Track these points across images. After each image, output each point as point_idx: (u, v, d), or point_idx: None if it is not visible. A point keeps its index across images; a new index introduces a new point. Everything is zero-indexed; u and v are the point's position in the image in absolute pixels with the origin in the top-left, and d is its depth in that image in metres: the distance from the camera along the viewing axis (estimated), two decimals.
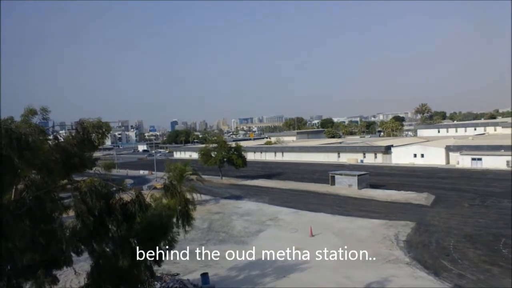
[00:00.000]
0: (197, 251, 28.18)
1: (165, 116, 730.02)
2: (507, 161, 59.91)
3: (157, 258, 12.37)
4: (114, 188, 11.88)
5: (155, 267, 13.10)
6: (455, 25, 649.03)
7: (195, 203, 17.39)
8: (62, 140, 11.72)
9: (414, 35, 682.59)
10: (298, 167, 78.58)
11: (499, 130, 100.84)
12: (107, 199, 11.15)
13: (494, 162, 61.04)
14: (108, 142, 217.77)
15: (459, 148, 68.45)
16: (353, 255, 25.64)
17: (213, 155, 64.91)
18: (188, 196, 16.00)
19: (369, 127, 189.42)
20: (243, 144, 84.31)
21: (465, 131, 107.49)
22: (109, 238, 11.45)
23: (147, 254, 11.75)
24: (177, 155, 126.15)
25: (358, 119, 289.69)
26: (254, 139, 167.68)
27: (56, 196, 11.27)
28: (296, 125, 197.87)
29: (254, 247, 28.48)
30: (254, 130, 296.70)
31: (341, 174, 52.41)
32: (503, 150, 62.37)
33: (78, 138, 11.53)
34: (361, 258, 24.99)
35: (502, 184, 47.35)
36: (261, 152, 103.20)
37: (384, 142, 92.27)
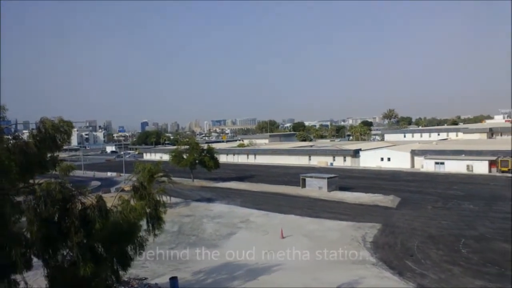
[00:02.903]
0: (167, 254, 27.76)
1: (135, 117, 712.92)
2: (468, 165, 63.08)
3: (124, 263, 12.05)
4: (74, 192, 11.38)
5: (122, 272, 12.76)
6: (421, 33, 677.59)
7: (165, 205, 17.11)
8: (24, 140, 11.17)
9: (383, 43, 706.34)
10: (270, 170, 79.05)
11: (461, 135, 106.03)
12: (65, 203, 10.65)
13: (455, 166, 64.06)
14: (74, 143, 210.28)
15: (423, 153, 71.30)
16: (322, 256, 26.21)
17: (184, 156, 64.08)
18: (158, 198, 15.66)
19: (339, 131, 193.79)
20: (216, 146, 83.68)
21: (429, 136, 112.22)
22: (67, 245, 10.92)
23: (114, 259, 11.41)
24: (147, 156, 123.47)
25: (328, 123, 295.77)
26: (227, 141, 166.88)
27: (15, 199, 10.69)
28: (269, 128, 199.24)
29: (225, 250, 28.47)
30: (227, 132, 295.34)
31: (311, 177, 53.21)
32: (464, 155, 65.61)
33: (40, 137, 11.02)
34: (330, 260, 25.56)
35: (463, 187, 49.75)
36: (233, 154, 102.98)
37: (353, 146, 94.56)
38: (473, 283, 20.93)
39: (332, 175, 53.20)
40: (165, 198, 21.77)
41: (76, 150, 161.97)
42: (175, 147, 77.15)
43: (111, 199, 12.91)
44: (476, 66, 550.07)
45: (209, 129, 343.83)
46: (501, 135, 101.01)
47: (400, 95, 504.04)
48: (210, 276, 23.49)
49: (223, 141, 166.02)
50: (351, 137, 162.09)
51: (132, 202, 12.68)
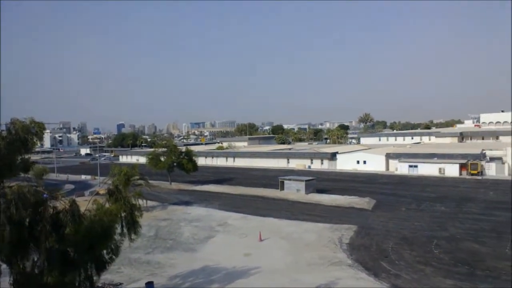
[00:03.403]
0: (143, 259, 27.26)
1: (111, 118, 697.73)
2: (439, 168, 65.25)
3: (98, 268, 11.75)
4: (46, 196, 11.01)
5: (96, 277, 12.43)
6: (396, 39, 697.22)
7: (142, 209, 16.81)
8: None
9: (360, 47, 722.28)
10: (249, 172, 79.09)
11: (433, 139, 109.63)
12: (37, 207, 10.29)
13: (428, 169, 66.13)
14: (47, 145, 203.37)
15: (397, 156, 73.23)
16: (300, 258, 26.43)
17: (162, 159, 63.19)
18: (134, 202, 15.35)
19: (316, 134, 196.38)
20: (194, 148, 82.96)
21: (404, 140, 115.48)
22: (38, 250, 10.52)
23: (88, 264, 11.10)
24: (123, 159, 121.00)
25: (306, 126, 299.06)
26: (206, 143, 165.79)
27: None
28: (248, 130, 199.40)
29: (202, 254, 28.25)
30: (205, 134, 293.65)
31: (289, 179, 53.62)
32: (436, 158, 67.83)
33: (9, 139, 10.61)
34: (308, 261, 25.81)
35: (435, 190, 51.39)
36: (212, 157, 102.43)
37: (330, 149, 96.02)
38: (445, 282, 21.62)
39: (310, 178, 53.81)
40: (141, 202, 21.39)
41: (49, 152, 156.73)
42: (152, 149, 75.93)
43: (85, 203, 12.59)
44: (448, 72, 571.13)
45: (188, 132, 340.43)
46: (470, 139, 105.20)
47: (375, 100, 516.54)
48: (187, 281, 23.24)
49: (201, 144, 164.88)
50: (328, 140, 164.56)
51: (107, 206, 12.40)
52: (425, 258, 25.52)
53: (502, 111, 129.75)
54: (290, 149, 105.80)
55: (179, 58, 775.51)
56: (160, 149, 65.53)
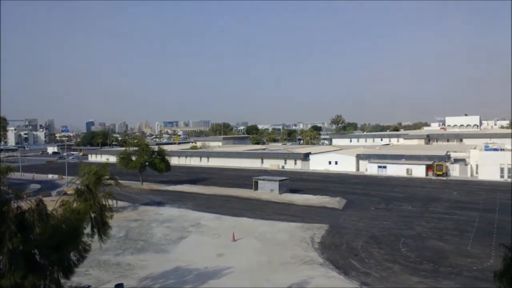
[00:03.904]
0: (112, 260, 26.60)
1: (80, 116, 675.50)
2: (407, 169, 67.69)
3: (66, 270, 11.37)
4: (11, 195, 10.54)
5: (64, 280, 12.02)
6: (366, 43, 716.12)
7: (112, 210, 16.41)
8: None
9: (332, 50, 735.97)
10: (223, 172, 78.84)
11: (401, 141, 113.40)
12: (0, 207, 9.85)
13: (396, 170, 68.47)
14: (11, 143, 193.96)
15: (367, 157, 75.34)
16: (273, 258, 26.66)
17: (133, 158, 61.83)
18: (104, 202, 14.92)
19: (290, 135, 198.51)
20: (167, 148, 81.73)
21: (373, 141, 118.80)
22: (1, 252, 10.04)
23: (54, 266, 10.71)
24: (93, 158, 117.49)
25: (280, 127, 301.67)
26: (179, 143, 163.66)
27: None
28: (223, 130, 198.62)
29: (174, 255, 27.92)
30: (179, 134, 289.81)
31: (263, 180, 53.96)
32: (404, 159, 70.31)
33: None
34: (280, 261, 26.07)
35: (403, 190, 53.25)
36: (186, 157, 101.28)
37: (303, 149, 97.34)
38: (411, 279, 22.47)
39: (284, 178, 54.37)
40: (111, 202, 20.86)
41: (13, 150, 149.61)
42: (123, 148, 74.14)
43: (52, 203, 12.15)
44: (416, 76, 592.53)
45: (160, 131, 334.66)
46: (436, 141, 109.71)
47: (347, 102, 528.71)
48: (158, 282, 22.90)
49: (175, 143, 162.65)
50: (301, 141, 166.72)
51: (75, 206, 12.02)
52: (393, 256, 26.39)
53: (466, 115, 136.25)
54: (264, 149, 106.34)
55: (152, 56, 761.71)
56: (132, 148, 64.14)
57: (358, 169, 75.51)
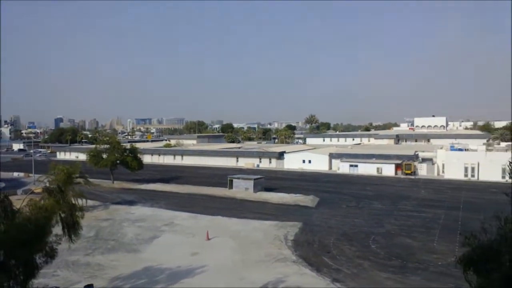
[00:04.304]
0: (82, 261, 25.84)
1: (48, 112, 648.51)
2: (377, 168, 69.65)
3: (31, 270, 10.94)
4: None
5: (31, 281, 11.57)
6: (337, 46, 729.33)
7: (83, 209, 15.96)
8: None
9: (306, 50, 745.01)
10: (198, 171, 78.16)
11: (372, 141, 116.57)
12: None
13: (367, 169, 70.31)
14: None
15: (340, 156, 76.96)
16: (247, 256, 26.76)
17: (104, 156, 60.16)
18: (74, 201, 14.45)
19: (265, 134, 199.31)
20: (140, 146, 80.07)
21: (345, 141, 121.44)
22: None
23: (19, 267, 10.27)
24: (61, 155, 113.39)
25: (256, 125, 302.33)
26: (152, 141, 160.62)
27: None
28: (197, 128, 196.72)
29: (146, 255, 27.47)
30: (152, 131, 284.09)
31: (238, 178, 53.98)
32: (374, 159, 72.30)
33: None
34: (254, 259, 26.21)
35: (373, 188, 54.76)
36: (159, 155, 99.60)
37: (278, 148, 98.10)
38: (380, 275, 23.19)
39: (258, 177, 54.61)
40: (80, 201, 20.31)
41: None
42: (93, 146, 71.99)
43: (18, 202, 11.66)
44: (386, 78, 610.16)
45: (133, 128, 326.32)
46: (405, 141, 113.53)
47: (321, 102, 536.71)
48: (129, 282, 22.47)
49: (148, 141, 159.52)
50: (276, 140, 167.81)
51: (42, 203, 11.57)
52: (364, 253, 27.13)
53: (433, 116, 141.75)
54: (239, 148, 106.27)
55: (124, 52, 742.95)
56: (102, 146, 62.41)
57: (330, 168, 76.95)
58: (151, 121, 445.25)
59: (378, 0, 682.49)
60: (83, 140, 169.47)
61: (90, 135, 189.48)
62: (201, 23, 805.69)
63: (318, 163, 77.74)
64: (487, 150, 65.50)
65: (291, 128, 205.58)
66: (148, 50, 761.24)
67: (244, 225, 35.08)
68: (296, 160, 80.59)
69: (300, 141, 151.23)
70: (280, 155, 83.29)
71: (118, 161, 59.90)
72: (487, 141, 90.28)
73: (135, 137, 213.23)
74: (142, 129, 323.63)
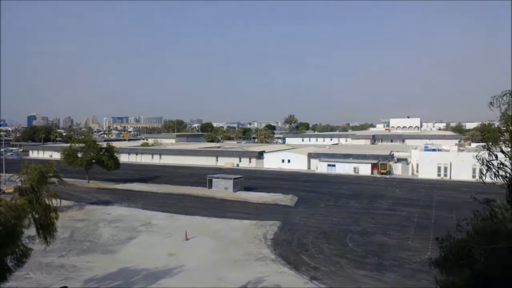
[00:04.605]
0: (55, 263, 25.08)
1: (21, 110, 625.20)
2: (354, 168, 70.99)
3: (2, 273, 10.52)
4: None
5: (1, 284, 11.13)
6: (316, 47, 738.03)
7: (58, 210, 15.48)
8: None
9: (284, 51, 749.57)
10: (176, 170, 77.29)
11: (349, 141, 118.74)
12: None
13: (344, 168, 71.54)
14: None
15: (318, 156, 77.95)
16: (226, 256, 26.70)
17: (79, 155, 58.58)
18: (49, 202, 13.95)
19: (245, 134, 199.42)
20: (116, 144, 78.43)
21: (324, 141, 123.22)
22: None
23: None
24: (34, 154, 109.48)
25: (235, 125, 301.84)
26: (129, 140, 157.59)
27: None
28: (176, 127, 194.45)
29: (122, 255, 26.95)
30: (129, 130, 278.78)
31: (218, 178, 53.76)
32: (351, 158, 73.64)
33: None
34: (234, 258, 26.19)
35: (350, 187, 55.75)
36: (136, 154, 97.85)
37: (257, 148, 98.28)
38: (357, 273, 23.65)
39: (238, 176, 54.56)
40: (55, 202, 19.63)
41: None
42: (68, 144, 69.97)
43: None
44: (363, 79, 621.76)
45: (109, 126, 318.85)
46: (381, 141, 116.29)
47: (300, 102, 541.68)
48: (104, 283, 22.00)
49: (125, 140, 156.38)
50: (256, 140, 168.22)
51: (13, 202, 11.14)
52: (341, 251, 27.60)
53: (408, 117, 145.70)
54: (219, 147, 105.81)
55: (101, 48, 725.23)
56: (78, 145, 60.76)
57: (309, 167, 77.79)
58: (128, 119, 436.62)
59: (353, 0, 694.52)
60: (57, 139, 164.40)
61: (64, 134, 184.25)
62: (182, 20, 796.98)
63: (297, 163, 78.45)
64: (459, 150, 67.96)
65: (270, 128, 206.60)
66: (125, 47, 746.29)
67: (223, 224, 34.98)
68: (276, 159, 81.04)
69: (280, 141, 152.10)
70: (260, 155, 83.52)
71: (93, 160, 58.52)
72: (459, 141, 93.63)
73: (112, 136, 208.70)
74: (119, 127, 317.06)
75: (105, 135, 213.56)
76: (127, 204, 44.00)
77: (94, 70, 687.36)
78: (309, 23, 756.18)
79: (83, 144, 59.84)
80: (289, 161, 79.61)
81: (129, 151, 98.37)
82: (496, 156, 8.47)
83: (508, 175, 8.29)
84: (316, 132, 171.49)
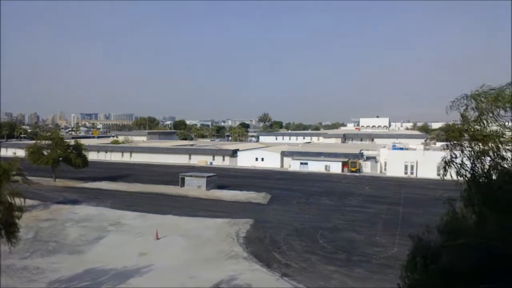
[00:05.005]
0: (17, 265, 24.03)
1: None
2: (326, 166, 72.39)
3: None
4: None
5: None
6: (289, 43, 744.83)
7: (22, 209, 14.87)
8: None
9: (258, 50, 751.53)
10: (148, 169, 75.81)
11: (321, 139, 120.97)
12: None
13: (316, 166, 72.81)
14: None
15: (291, 154, 78.90)
16: (198, 254, 26.56)
17: (45, 153, 56.32)
18: (11, 201, 13.35)
19: (219, 132, 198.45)
20: (85, 142, 75.93)
21: (296, 139, 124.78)
22: None
23: None
24: None
25: (209, 123, 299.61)
26: (99, 137, 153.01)
27: None
28: (148, 125, 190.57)
29: (91, 256, 26.24)
30: (99, 127, 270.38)
31: (191, 176, 53.24)
32: (323, 157, 75.06)
33: None
34: (206, 257, 26.09)
35: (322, 185, 56.81)
36: (106, 152, 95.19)
37: (231, 146, 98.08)
38: (327, 268, 24.17)
39: (211, 174, 54.27)
40: (18, 200, 18.85)
41: None
42: (33, 141, 67.09)
43: None
44: (334, 79, 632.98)
45: (77, 123, 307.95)
46: (352, 140, 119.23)
47: (273, 101, 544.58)
48: (70, 285, 21.34)
49: (94, 137, 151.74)
50: (230, 138, 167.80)
51: None
52: (312, 248, 28.11)
53: (377, 117, 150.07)
54: (192, 145, 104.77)
55: (68, 41, 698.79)
56: (43, 142, 58.41)
57: (282, 165, 78.54)
58: (97, 116, 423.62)
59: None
60: (21, 136, 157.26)
61: (29, 130, 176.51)
62: (156, 13, 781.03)
63: (271, 161, 79.02)
64: (425, 149, 70.74)
65: (244, 126, 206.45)
66: (95, 40, 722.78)
67: (195, 223, 34.72)
68: (249, 158, 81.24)
69: (254, 139, 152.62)
70: (234, 153, 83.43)
71: (60, 158, 56.48)
72: (425, 141, 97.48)
73: (80, 133, 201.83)
74: (87, 124, 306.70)
75: (73, 132, 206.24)
76: (96, 203, 42.77)
77: (62, 65, 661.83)
78: (283, 22, 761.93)
79: (50, 141, 57.67)
80: (262, 159, 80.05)
81: (98, 148, 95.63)
82: (456, 156, 8.95)
83: (467, 173, 8.78)
84: (289, 131, 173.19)
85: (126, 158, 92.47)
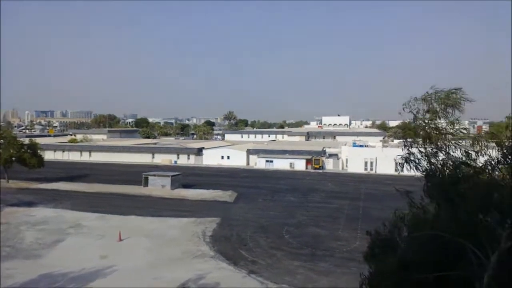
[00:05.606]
0: None
1: None
2: (290, 163, 73.62)
3: None
4: None
5: None
6: (256, 42, 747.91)
7: None
8: None
9: (223, 48, 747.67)
10: (108, 168, 73.19)
11: (286, 137, 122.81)
12: None
13: (281, 164, 73.83)
14: None
15: (256, 152, 79.42)
16: (163, 255, 26.13)
17: None
18: None
19: (183, 130, 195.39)
20: (41, 141, 71.99)
21: (262, 137, 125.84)
22: None
23: None
24: None
25: (173, 121, 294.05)
26: (55, 135, 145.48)
27: None
28: (108, 122, 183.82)
29: (48, 260, 25.09)
30: (55, 125, 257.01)
31: (154, 175, 52.08)
32: (287, 154, 76.25)
33: None
34: (171, 257, 25.72)
35: (287, 182, 57.73)
36: (63, 151, 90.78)
37: (196, 144, 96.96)
38: (293, 264, 24.70)
39: (176, 173, 53.41)
40: None
41: None
42: None
43: None
44: (301, 78, 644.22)
45: (32, 121, 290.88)
46: (315, 138, 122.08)
47: (238, 99, 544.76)
48: None
49: (50, 135, 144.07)
50: (195, 136, 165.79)
51: None
52: (278, 244, 28.56)
53: (338, 115, 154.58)
54: (155, 143, 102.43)
55: (22, 34, 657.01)
56: None
57: (248, 163, 78.86)
58: (53, 113, 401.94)
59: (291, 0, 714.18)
60: None
61: None
62: (119, 7, 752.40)
63: (237, 159, 79.05)
64: (383, 146, 73.95)
65: (210, 124, 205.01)
66: (50, 33, 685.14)
67: (160, 223, 34.10)
68: (215, 156, 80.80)
69: (219, 137, 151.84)
70: (199, 151, 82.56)
71: (13, 158, 53.27)
72: (383, 138, 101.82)
73: (35, 131, 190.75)
74: (43, 122, 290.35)
75: (27, 131, 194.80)
76: (53, 205, 40.78)
77: (14, 58, 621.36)
78: (242, 21, 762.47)
79: (1, 140, 54.26)
80: (228, 157, 79.89)
81: (55, 147, 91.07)
82: (413, 153, 9.56)
83: (424, 168, 9.40)
84: (254, 129, 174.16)
85: (85, 157, 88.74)
